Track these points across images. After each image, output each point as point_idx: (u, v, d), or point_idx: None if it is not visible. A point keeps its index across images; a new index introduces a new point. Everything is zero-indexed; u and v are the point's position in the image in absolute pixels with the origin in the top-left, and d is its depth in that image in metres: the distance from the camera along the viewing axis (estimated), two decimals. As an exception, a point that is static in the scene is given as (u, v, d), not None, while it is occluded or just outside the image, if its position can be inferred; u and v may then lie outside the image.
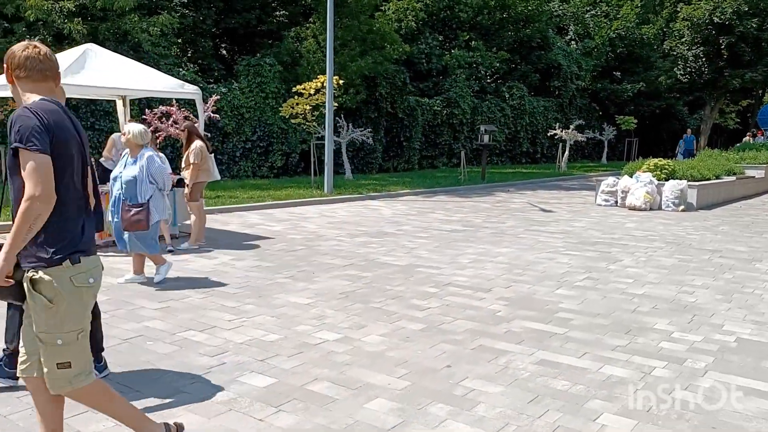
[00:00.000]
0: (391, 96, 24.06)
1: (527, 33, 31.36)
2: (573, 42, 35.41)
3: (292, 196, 14.32)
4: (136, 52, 18.29)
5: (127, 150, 6.58)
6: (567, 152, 26.74)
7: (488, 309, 5.81)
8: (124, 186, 6.32)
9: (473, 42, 29.18)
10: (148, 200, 6.31)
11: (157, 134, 13.86)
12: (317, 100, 16.12)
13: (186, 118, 13.73)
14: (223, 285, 6.47)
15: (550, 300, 6.17)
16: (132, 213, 6.16)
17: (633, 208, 13.62)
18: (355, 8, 21.38)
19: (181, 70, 19.27)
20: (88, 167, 2.90)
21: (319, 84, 16.03)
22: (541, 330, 5.22)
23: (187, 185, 8.56)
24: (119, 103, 10.33)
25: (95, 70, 8.29)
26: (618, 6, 35.65)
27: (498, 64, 31.10)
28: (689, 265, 7.93)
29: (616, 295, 6.39)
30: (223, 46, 26.24)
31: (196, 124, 9.53)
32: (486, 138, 19.47)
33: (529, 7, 30.84)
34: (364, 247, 8.85)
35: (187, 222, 9.40)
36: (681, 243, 9.60)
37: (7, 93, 8.39)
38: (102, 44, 17.22)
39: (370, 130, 21.33)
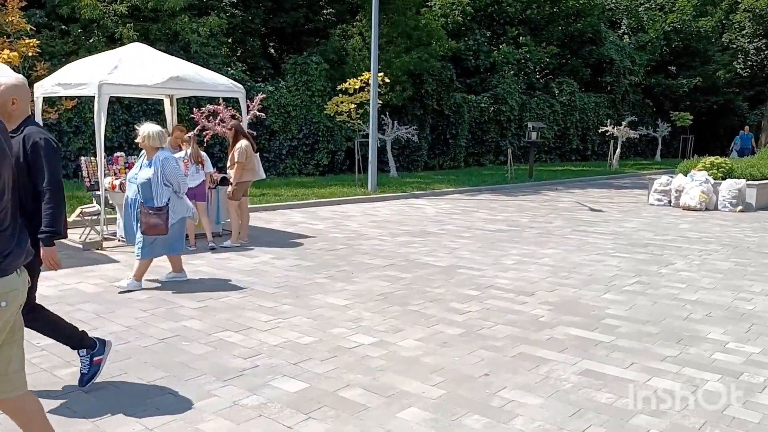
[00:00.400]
0: (438, 93, 23.83)
1: (578, 27, 30.61)
2: (626, 36, 34.41)
3: (335, 194, 14.31)
4: (186, 52, 18.61)
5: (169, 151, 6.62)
6: (618, 149, 25.99)
7: (530, 314, 5.61)
8: (139, 188, 6.18)
9: (521, 38, 28.65)
10: (167, 203, 6.17)
11: (204, 132, 14.06)
12: (361, 97, 16.05)
13: (233, 117, 13.88)
14: (262, 284, 6.44)
15: (596, 305, 5.93)
16: (151, 217, 6.04)
17: (687, 209, 13.09)
18: (401, 4, 21.24)
19: (229, 69, 19.49)
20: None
21: (363, 81, 15.95)
22: (586, 337, 5.00)
23: (231, 183, 8.59)
24: (166, 102, 10.50)
25: (143, 69, 8.39)
26: (673, -2, 34.47)
27: (548, 60, 30.48)
28: (747, 270, 7.52)
29: (668, 301, 6.09)
30: (271, 45, 26.50)
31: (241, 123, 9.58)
32: (534, 135, 19.07)
33: (580, 1, 30.09)
34: (406, 246, 8.73)
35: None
36: (738, 246, 9.15)
37: (68, 92, 8.62)
38: (153, 45, 17.64)
39: (415, 127, 21.17)
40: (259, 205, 12.28)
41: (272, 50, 26.60)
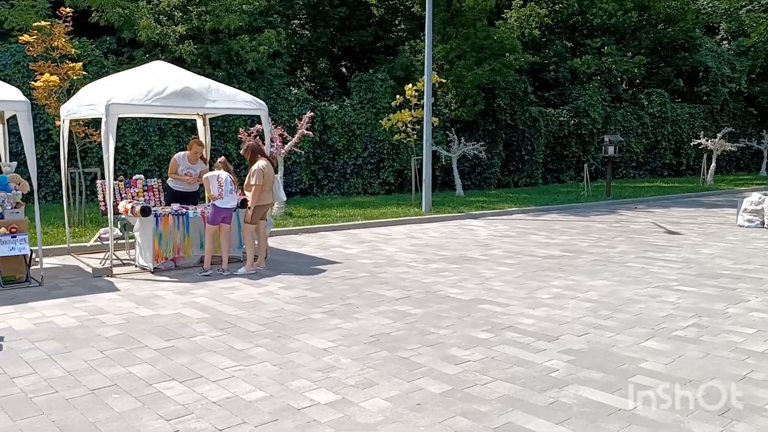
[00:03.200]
0: (511, 107, 22.71)
1: (669, 33, 28.49)
2: (725, 42, 31.78)
3: (387, 214, 13.61)
4: (251, 74, 18.65)
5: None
6: (714, 164, 23.74)
7: (543, 366, 4.64)
8: None
9: (605, 48, 26.97)
10: None
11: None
12: (419, 114, 15.32)
13: (281, 137, 13.55)
14: (250, 320, 5.82)
15: (630, 356, 4.86)
16: None
17: (783, 231, 11.38)
18: (471, 16, 20.40)
19: (293, 89, 19.35)
20: None
21: (416, 90, 15.20)
22: (601, 402, 4.00)
23: (249, 207, 8.09)
24: (199, 122, 10.22)
25: (156, 87, 8.07)
26: (780, -2, 31.45)
27: (635, 70, 28.56)
28: (842, 311, 6.13)
29: (724, 353, 4.92)
30: (342, 63, 26.36)
31: (268, 143, 9.12)
32: (611, 149, 17.59)
33: (672, 6, 28.01)
34: (434, 275, 7.88)
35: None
36: (838, 278, 7.63)
37: (84, 114, 8.46)
38: (215, 66, 17.76)
39: (483, 143, 20.16)
40: (301, 227, 11.77)
41: (343, 69, 26.44)
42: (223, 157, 8.16)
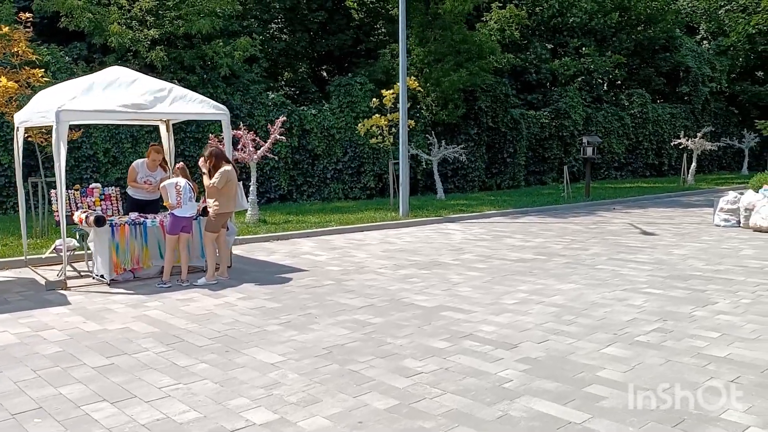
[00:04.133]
0: (493, 109, 22.60)
1: (649, 34, 28.53)
2: (705, 41, 31.88)
3: (363, 219, 13.41)
4: (226, 79, 18.41)
5: None
6: (694, 163, 23.73)
7: (496, 377, 4.46)
8: None
9: (584, 48, 26.95)
10: None
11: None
12: (395, 117, 15.15)
13: (253, 141, 13.31)
14: (200, 334, 5.60)
15: (588, 364, 4.69)
16: None
17: (758, 230, 11.29)
18: (448, 19, 20.26)
19: (270, 94, 19.12)
20: None
21: (393, 95, 15.03)
22: (552, 415, 3.82)
23: (210, 214, 7.86)
24: (162, 128, 9.99)
25: (113, 93, 7.85)
26: (758, -3, 31.56)
27: (616, 71, 28.56)
28: (810, 312, 5.99)
29: (686, 359, 4.76)
30: (322, 68, 26.15)
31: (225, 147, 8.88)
32: (589, 151, 17.49)
33: (651, 7, 28.05)
34: (402, 281, 7.69)
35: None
36: (809, 278, 7.50)
37: (36, 121, 8.19)
38: (188, 72, 17.50)
39: (462, 147, 20.03)
40: (271, 234, 11.54)
41: (324, 73, 26.24)
42: (181, 163, 7.93)
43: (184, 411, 3.92)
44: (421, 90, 16.55)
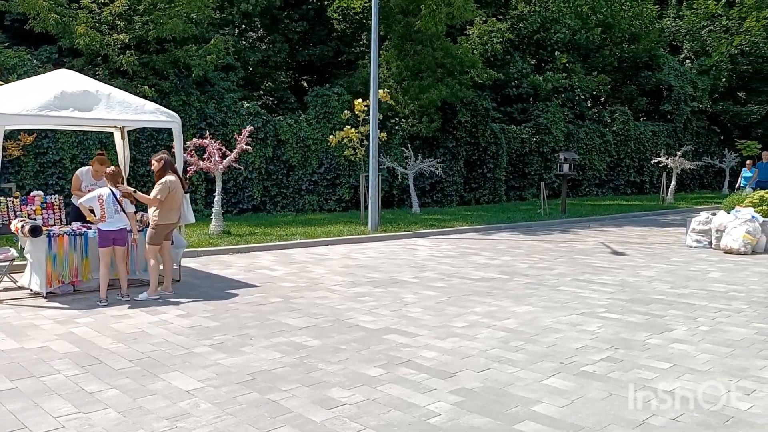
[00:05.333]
0: (472, 124, 22.43)
1: (633, 50, 28.52)
2: (687, 60, 31.97)
3: (330, 233, 13.09)
4: (201, 86, 18.09)
5: None
6: (674, 182, 23.64)
7: (424, 410, 4.14)
8: None
9: (569, 64, 26.91)
10: None
11: (187, 168, 13.23)
12: (366, 129, 14.88)
13: (219, 151, 12.98)
14: (121, 356, 5.24)
15: (526, 397, 4.39)
16: None
17: (729, 252, 11.08)
18: (426, 35, 20.07)
19: (245, 102, 18.80)
20: None
21: (365, 106, 14.77)
22: (473, 456, 3.50)
23: (151, 226, 7.52)
24: (117, 134, 9.65)
25: (63, 98, 7.52)
26: (741, 19, 31.72)
27: (600, 88, 28.54)
28: (768, 342, 5.73)
29: (629, 393, 4.47)
30: (303, 78, 25.90)
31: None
32: (566, 167, 17.31)
33: (635, 25, 28.09)
34: (352, 300, 7.37)
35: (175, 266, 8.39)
36: (773, 304, 7.27)
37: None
38: (161, 77, 17.15)
39: (440, 160, 19.82)
40: (232, 246, 11.20)
41: (305, 83, 25.99)
42: (111, 168, 7.50)
43: (72, 446, 3.58)
44: (393, 102, 16.28)
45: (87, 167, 8.37)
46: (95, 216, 7.12)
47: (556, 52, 27.41)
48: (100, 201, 6.98)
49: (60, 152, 15.47)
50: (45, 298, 7.28)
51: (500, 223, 15.69)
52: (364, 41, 25.14)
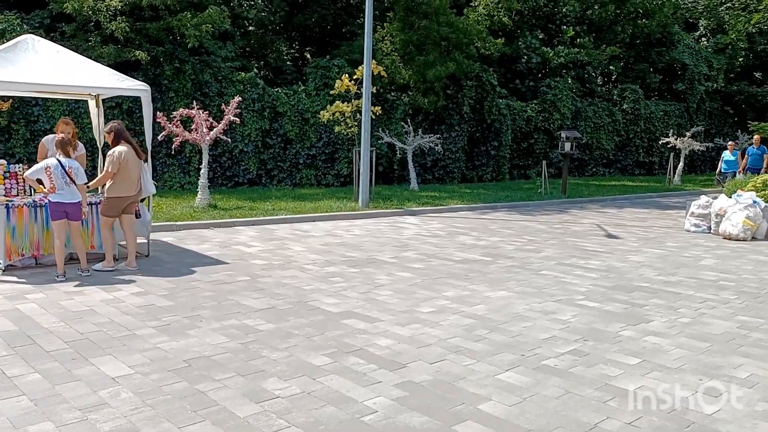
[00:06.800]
0: (477, 99, 21.89)
1: (646, 26, 27.61)
2: (704, 38, 31.01)
3: (319, 209, 12.77)
4: (198, 55, 17.67)
5: None
6: (681, 163, 23.02)
7: (361, 406, 3.84)
8: None
9: (579, 39, 26.13)
10: None
11: (173, 139, 12.93)
12: (357, 105, 14.46)
13: (207, 122, 12.62)
14: (58, 336, 4.98)
15: (475, 393, 4.07)
16: None
17: (728, 237, 10.64)
18: (430, 8, 19.45)
19: (242, 72, 18.37)
20: None
21: (356, 80, 14.34)
22: (399, 461, 3.20)
23: (103, 198, 7.23)
24: (92, 103, 9.33)
25: (31, 65, 7.22)
26: (760, -5, 30.64)
27: (611, 66, 27.77)
28: (749, 337, 5.36)
29: (588, 391, 4.14)
30: (305, 49, 25.36)
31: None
32: (567, 146, 16.81)
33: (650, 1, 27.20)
34: (322, 281, 7.07)
35: (140, 240, 8.13)
36: (762, 295, 6.87)
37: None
38: (155, 44, 16.72)
39: (439, 136, 19.35)
40: (214, 220, 10.92)
41: (308, 54, 25.46)
42: (61, 135, 7.13)
43: (-33, 438, 3.31)
44: (385, 75, 15.77)
45: (53, 135, 8.05)
46: (44, 188, 6.81)
47: (563, 27, 26.61)
48: (48, 173, 6.66)
49: (51, 120, 15.21)
50: (3, 271, 7.03)
51: (497, 202, 15.30)
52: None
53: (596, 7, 26.71)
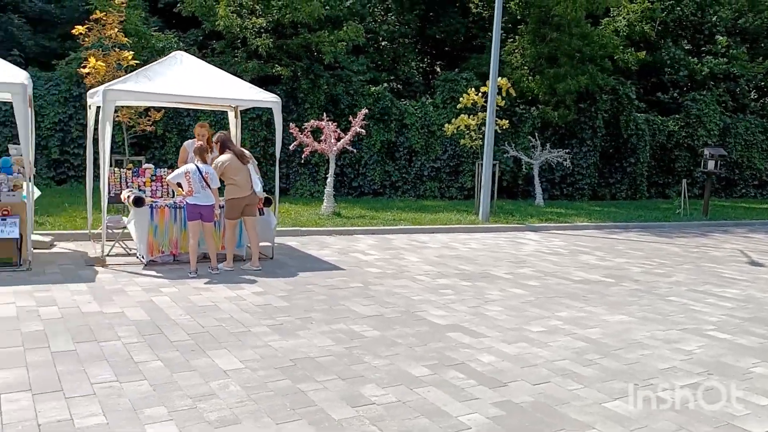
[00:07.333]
0: (612, 113, 20.94)
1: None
2: None
3: (438, 221, 12.79)
4: (333, 70, 18.39)
5: None
6: None
7: (455, 422, 3.80)
8: None
9: (731, 50, 24.22)
10: None
11: (304, 149, 13.52)
12: (483, 118, 14.33)
13: (335, 133, 13.09)
14: (183, 328, 5.37)
15: (577, 420, 3.89)
16: None
17: None
18: (563, 21, 18.91)
19: (371, 87, 18.87)
20: None
21: (482, 93, 14.23)
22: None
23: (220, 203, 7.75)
24: (231, 114, 10.01)
25: (165, 77, 7.93)
26: None
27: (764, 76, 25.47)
28: None
29: (704, 429, 3.80)
30: (436, 63, 25.60)
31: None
32: (711, 164, 15.59)
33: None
34: (432, 292, 7.08)
35: (265, 243, 8.61)
36: None
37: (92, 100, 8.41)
38: (297, 60, 17.59)
39: (568, 151, 18.70)
40: (335, 228, 11.27)
41: (438, 68, 25.68)
42: (199, 143, 7.72)
43: (93, 414, 3.66)
44: (513, 92, 15.45)
45: (194, 139, 8.71)
46: (183, 191, 7.40)
47: (716, 36, 24.74)
48: (187, 177, 7.23)
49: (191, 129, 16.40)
50: (145, 265, 7.71)
51: (629, 222, 14.52)
52: (501, 24, 24.31)
53: (750, 15, 24.64)
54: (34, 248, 7.88)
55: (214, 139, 7.84)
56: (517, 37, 21.27)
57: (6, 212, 7.14)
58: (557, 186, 20.68)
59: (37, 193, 8.55)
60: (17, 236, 7.14)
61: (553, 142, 19.96)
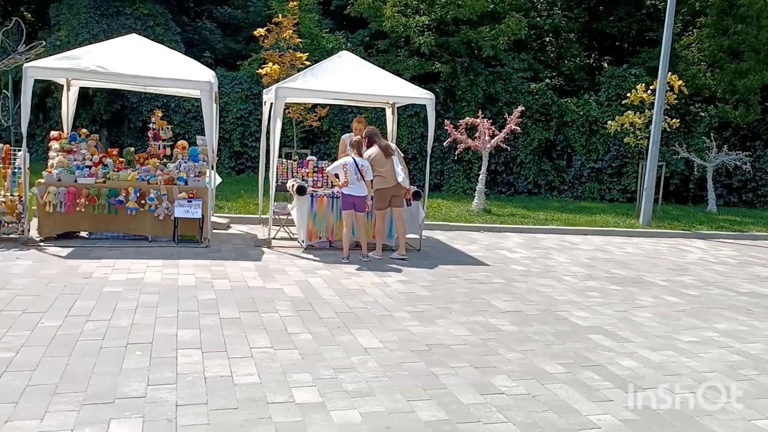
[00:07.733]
0: (805, 112, 18.79)
1: None
2: None
3: (594, 223, 12.37)
4: (492, 67, 18.40)
5: None
6: None
7: (583, 420, 3.79)
8: None
9: None
10: None
11: (458, 146, 13.71)
12: (650, 116, 13.55)
13: (489, 130, 13.12)
14: (332, 307, 5.82)
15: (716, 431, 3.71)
16: None
17: None
18: (750, 11, 17.26)
19: (532, 84, 18.57)
20: None
21: (650, 91, 13.47)
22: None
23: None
24: (388, 111, 10.46)
25: (333, 75, 8.53)
26: None
27: None
28: None
29: None
30: (603, 58, 24.50)
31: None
32: None
33: None
34: (576, 294, 6.95)
35: (413, 235, 8.95)
36: None
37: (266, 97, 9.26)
38: (456, 56, 17.82)
39: (748, 153, 17.06)
40: (484, 224, 11.35)
41: (605, 64, 24.56)
42: (357, 137, 8.19)
43: (250, 374, 4.14)
44: (685, 90, 14.38)
45: (350, 133, 9.24)
46: (339, 181, 7.93)
47: None
48: (345, 169, 7.74)
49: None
50: (305, 249, 8.37)
51: (817, 234, 13.00)
52: (679, 16, 22.69)
53: None
54: (214, 229, 8.85)
55: (363, 134, 8.28)
56: (695, 30, 19.78)
57: (192, 195, 8.12)
58: (735, 192, 19.00)
59: (218, 180, 9.61)
60: (200, 216, 8.10)
61: (732, 143, 18.35)
